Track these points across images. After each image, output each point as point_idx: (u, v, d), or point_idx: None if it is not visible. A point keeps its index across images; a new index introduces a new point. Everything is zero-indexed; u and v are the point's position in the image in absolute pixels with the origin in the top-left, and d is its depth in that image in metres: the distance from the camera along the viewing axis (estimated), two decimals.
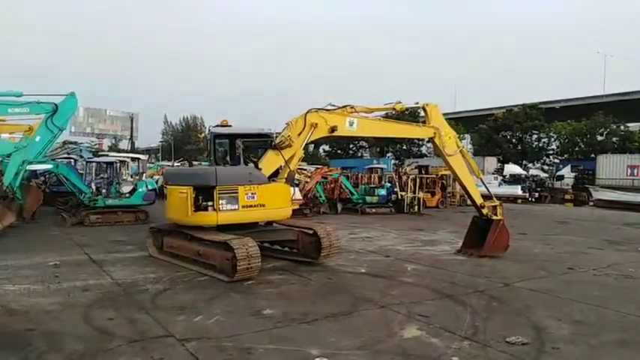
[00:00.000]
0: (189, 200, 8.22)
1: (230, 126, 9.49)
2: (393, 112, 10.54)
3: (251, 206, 8.34)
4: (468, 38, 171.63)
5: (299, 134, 8.95)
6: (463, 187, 11.25)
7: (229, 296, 6.75)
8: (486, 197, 10.88)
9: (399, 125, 10.90)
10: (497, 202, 10.75)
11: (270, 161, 8.87)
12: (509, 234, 10.73)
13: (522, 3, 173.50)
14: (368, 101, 10.15)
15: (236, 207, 8.23)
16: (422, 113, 11.19)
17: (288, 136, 8.84)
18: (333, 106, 9.53)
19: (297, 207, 9.91)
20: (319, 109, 9.27)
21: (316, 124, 9.05)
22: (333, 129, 9.21)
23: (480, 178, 11.49)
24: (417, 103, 10.75)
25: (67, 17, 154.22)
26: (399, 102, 10.27)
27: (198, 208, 8.30)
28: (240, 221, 8.43)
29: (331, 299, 6.77)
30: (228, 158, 9.94)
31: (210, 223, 8.32)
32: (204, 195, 8.32)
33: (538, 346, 5.03)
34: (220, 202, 8.13)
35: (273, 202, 8.59)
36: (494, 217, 10.47)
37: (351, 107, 9.61)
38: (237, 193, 8.22)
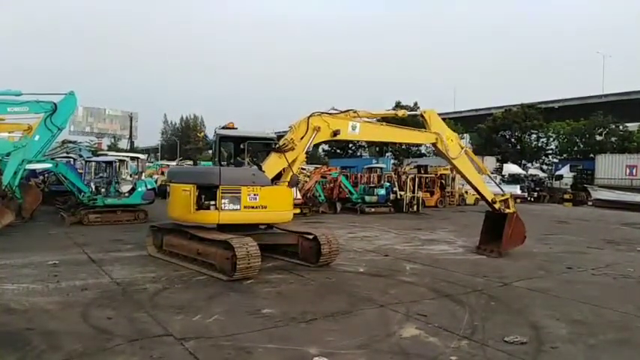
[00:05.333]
0: (192, 198, 8.27)
1: (236, 129, 9.54)
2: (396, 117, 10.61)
3: (253, 207, 8.35)
4: (468, 38, 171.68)
5: (302, 138, 8.97)
6: (472, 186, 11.33)
7: (228, 295, 6.75)
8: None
9: (401, 130, 10.89)
10: (507, 195, 10.83)
11: (273, 164, 8.88)
12: (524, 224, 10.77)
13: (522, 3, 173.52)
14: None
15: (238, 207, 8.25)
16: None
17: (291, 139, 8.86)
18: (336, 110, 9.55)
19: (298, 211, 9.91)
20: (322, 112, 9.26)
21: (319, 127, 9.05)
22: (335, 133, 9.24)
23: (488, 175, 11.49)
24: (417, 105, 10.81)
25: (66, 16, 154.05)
26: (402, 109, 10.36)
27: (200, 206, 8.34)
28: (241, 221, 8.45)
29: (330, 298, 6.78)
30: (232, 160, 10.01)
31: (212, 222, 8.37)
32: (207, 194, 8.36)
33: (536, 345, 5.04)
34: (223, 201, 8.16)
35: (275, 204, 8.59)
36: (508, 211, 10.51)
37: (354, 112, 9.65)
38: (239, 193, 8.25)
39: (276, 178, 8.99)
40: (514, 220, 10.43)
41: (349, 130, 9.52)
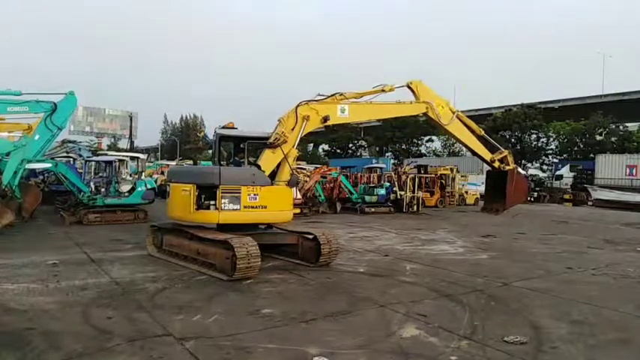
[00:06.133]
0: (191, 198, 8.29)
1: (236, 128, 9.54)
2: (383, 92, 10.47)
3: (253, 207, 8.35)
4: (467, 38, 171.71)
5: (292, 129, 8.90)
6: (469, 149, 11.32)
7: (228, 295, 6.75)
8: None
9: (389, 106, 10.80)
10: (505, 152, 10.83)
11: (268, 160, 8.84)
12: (525, 179, 10.77)
13: (522, 3, 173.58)
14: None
15: (238, 207, 8.26)
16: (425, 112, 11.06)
17: (282, 132, 8.75)
18: (322, 95, 9.48)
19: (297, 211, 9.88)
20: (309, 100, 9.19)
21: (308, 116, 8.96)
22: (325, 119, 9.17)
23: (483, 136, 11.37)
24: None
25: (66, 16, 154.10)
26: (386, 84, 10.22)
27: (200, 206, 8.35)
28: (241, 221, 8.45)
29: (330, 298, 6.78)
30: (231, 160, 10.00)
31: (212, 222, 8.39)
32: (206, 194, 8.37)
33: (536, 345, 5.04)
34: (223, 201, 8.18)
35: (275, 204, 8.59)
36: (508, 168, 10.51)
37: (341, 94, 9.60)
38: (239, 193, 8.25)
39: (271, 177, 8.96)
40: (515, 176, 10.43)
41: (338, 113, 9.48)
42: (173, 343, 4.85)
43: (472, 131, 10.92)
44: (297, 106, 9.00)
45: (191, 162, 42.53)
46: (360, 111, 10.22)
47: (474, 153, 11.08)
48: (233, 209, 8.24)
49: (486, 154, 10.67)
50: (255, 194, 8.34)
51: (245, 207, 8.30)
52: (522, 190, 10.49)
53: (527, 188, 10.48)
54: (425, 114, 10.52)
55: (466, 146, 11.17)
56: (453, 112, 10.65)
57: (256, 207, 8.38)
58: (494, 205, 10.63)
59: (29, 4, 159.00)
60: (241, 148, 9.84)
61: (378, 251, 10.92)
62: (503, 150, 10.84)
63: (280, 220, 9.01)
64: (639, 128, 49.99)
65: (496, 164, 10.51)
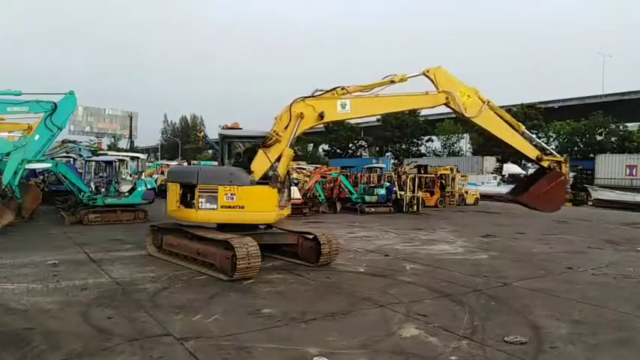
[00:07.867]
0: (175, 196, 8.57)
1: (240, 129, 9.45)
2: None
3: (230, 207, 8.29)
4: (467, 38, 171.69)
5: (286, 127, 8.44)
6: (507, 145, 9.49)
7: (228, 295, 6.75)
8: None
9: (400, 98, 9.42)
10: (560, 158, 9.29)
11: (260, 161, 8.46)
12: (565, 192, 9.49)
13: (522, 3, 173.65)
14: None
15: (215, 206, 8.26)
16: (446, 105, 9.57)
17: (274, 131, 8.37)
18: (321, 91, 8.77)
19: (287, 212, 9.60)
20: (306, 97, 8.59)
21: (302, 113, 8.44)
22: (321, 115, 8.52)
23: (523, 132, 9.62)
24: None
25: (67, 16, 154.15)
26: (396, 74, 8.97)
27: (187, 204, 8.52)
28: (218, 221, 8.53)
29: (330, 298, 6.78)
30: (241, 159, 9.98)
31: (191, 220, 8.54)
32: (190, 192, 8.51)
33: (536, 345, 5.04)
34: (200, 200, 8.24)
35: (255, 204, 8.38)
36: (559, 171, 9.21)
37: (342, 89, 8.75)
38: (216, 192, 8.25)
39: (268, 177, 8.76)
40: (558, 181, 9.09)
41: (338, 109, 8.73)
42: (173, 343, 4.84)
43: (510, 126, 9.42)
44: (292, 103, 8.47)
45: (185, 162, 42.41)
46: (364, 105, 9.07)
47: (515, 150, 9.46)
48: (210, 208, 8.28)
49: (532, 152, 9.19)
50: (232, 194, 8.26)
51: (222, 206, 8.26)
52: (556, 199, 8.99)
53: (561, 201, 8.87)
54: (446, 105, 9.24)
55: (502, 142, 9.33)
56: (483, 102, 9.12)
57: (233, 207, 8.30)
58: (516, 196, 9.50)
59: (30, 4, 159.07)
60: (248, 149, 9.74)
61: (378, 251, 10.91)
62: (557, 155, 9.48)
63: (261, 220, 8.85)
64: (639, 128, 50.00)
65: (545, 163, 9.10)
